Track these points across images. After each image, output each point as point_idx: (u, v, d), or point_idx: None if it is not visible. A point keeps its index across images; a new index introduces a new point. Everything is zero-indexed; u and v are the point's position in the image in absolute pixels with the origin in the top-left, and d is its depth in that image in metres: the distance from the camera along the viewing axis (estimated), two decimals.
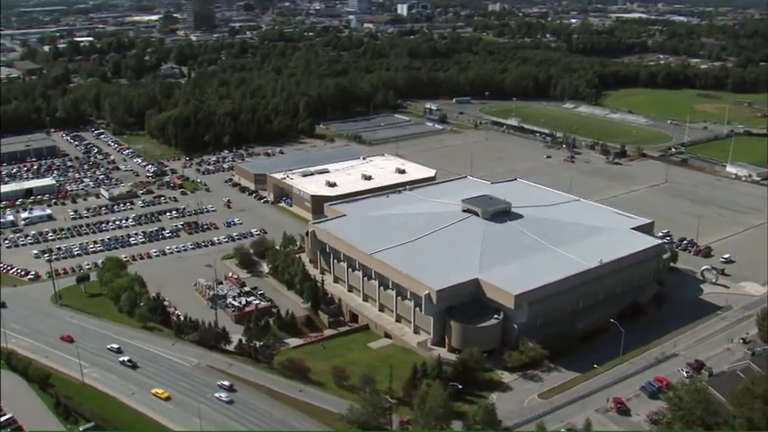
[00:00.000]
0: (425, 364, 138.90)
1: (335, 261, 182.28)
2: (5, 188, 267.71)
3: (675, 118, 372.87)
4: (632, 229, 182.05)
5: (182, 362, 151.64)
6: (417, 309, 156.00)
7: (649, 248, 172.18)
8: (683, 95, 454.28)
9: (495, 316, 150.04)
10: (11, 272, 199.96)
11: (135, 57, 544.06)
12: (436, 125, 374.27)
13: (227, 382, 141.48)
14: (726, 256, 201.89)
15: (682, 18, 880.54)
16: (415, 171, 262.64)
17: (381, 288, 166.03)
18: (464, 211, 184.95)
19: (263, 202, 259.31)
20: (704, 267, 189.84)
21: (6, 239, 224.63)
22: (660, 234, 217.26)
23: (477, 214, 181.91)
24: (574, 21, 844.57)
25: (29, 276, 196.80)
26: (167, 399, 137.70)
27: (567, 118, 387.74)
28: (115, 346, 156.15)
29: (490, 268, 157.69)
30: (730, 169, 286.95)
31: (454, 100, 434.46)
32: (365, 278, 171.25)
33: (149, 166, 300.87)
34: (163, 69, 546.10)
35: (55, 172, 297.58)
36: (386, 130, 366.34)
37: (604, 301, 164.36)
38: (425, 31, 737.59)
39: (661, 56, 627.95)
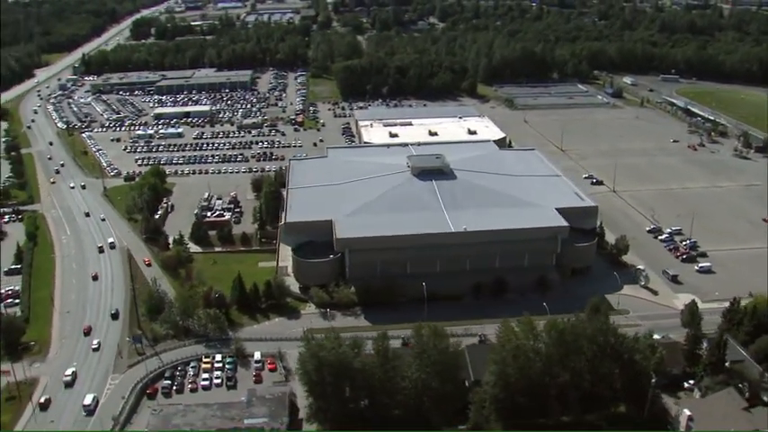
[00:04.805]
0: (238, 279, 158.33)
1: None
2: (170, 110, 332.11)
3: None
4: (558, 209, 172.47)
5: (115, 240, 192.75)
6: None
7: (535, 228, 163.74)
8: None
9: (331, 255, 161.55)
10: (107, 169, 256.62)
11: (393, 11, 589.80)
12: (605, 99, 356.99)
13: None
14: (705, 264, 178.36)
15: None
16: (486, 133, 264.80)
17: None
18: (407, 166, 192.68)
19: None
20: (638, 267, 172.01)
21: (130, 146, 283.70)
22: (668, 230, 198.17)
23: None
24: None
25: (113, 174, 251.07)
26: None
27: (760, 105, 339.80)
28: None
29: (360, 214, 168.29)
30: None
31: (660, 77, 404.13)
32: None
33: (300, 106, 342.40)
34: (419, 24, 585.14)
35: (227, 101, 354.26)
36: (547, 97, 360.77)
37: (473, 270, 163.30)
38: (718, 5, 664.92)
39: None
